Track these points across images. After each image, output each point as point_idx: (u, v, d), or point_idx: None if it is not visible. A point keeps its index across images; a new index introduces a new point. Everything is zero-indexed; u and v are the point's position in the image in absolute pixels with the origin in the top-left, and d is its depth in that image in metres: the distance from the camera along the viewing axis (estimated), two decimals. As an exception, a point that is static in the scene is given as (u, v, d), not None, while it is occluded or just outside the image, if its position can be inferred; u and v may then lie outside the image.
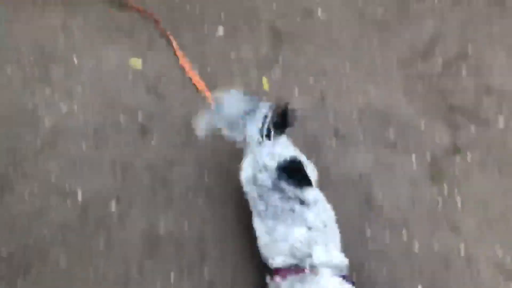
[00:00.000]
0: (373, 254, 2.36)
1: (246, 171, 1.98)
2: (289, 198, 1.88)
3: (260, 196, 1.91)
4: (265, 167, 1.91)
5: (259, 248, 1.97)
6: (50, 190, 2.50)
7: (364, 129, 2.64)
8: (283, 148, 1.99)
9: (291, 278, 1.81)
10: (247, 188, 1.99)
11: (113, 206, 2.48)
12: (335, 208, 2.00)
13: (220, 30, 2.89)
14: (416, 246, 2.40)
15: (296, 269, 1.82)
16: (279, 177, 1.89)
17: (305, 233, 1.84)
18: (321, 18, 2.94)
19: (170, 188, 2.52)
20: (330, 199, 2.01)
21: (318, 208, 1.92)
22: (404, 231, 2.43)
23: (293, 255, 1.83)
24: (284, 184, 1.88)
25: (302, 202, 1.88)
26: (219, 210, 2.45)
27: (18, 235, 2.39)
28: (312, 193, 1.93)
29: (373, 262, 2.34)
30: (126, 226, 2.43)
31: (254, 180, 1.94)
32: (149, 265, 2.34)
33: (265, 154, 1.93)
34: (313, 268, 1.80)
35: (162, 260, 2.35)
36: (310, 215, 1.87)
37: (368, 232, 2.42)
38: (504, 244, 2.40)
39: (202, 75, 2.72)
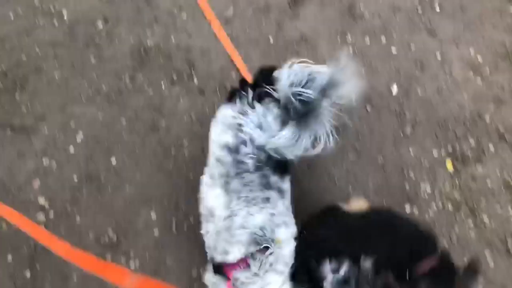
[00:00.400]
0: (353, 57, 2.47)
1: (223, 135, 1.64)
2: (270, 186, 1.62)
3: (238, 174, 1.60)
4: (252, 141, 1.60)
5: (205, 236, 1.68)
6: (35, 11, 2.52)
7: None
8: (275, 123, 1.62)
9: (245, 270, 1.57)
10: (219, 152, 1.64)
11: (100, 24, 2.53)
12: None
13: None
14: (394, 49, 2.51)
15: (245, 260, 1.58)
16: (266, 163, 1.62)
17: (267, 220, 1.59)
18: None
19: (156, 5, 2.56)
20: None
21: (288, 194, 1.71)
22: (383, 37, 2.53)
23: (253, 243, 1.57)
24: (268, 171, 1.63)
25: (280, 191, 1.66)
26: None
27: (9, 53, 2.44)
28: (288, 180, 1.71)
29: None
30: (114, 42, 2.50)
31: (235, 150, 1.61)
32: (140, 75, 2.43)
33: (254, 126, 1.61)
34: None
35: (152, 70, 2.45)
36: (280, 203, 1.65)
37: (349, 38, 2.52)
38: (476, 45, 2.52)
39: None
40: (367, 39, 2.52)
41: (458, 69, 2.47)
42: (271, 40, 2.50)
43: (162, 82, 2.43)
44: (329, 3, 2.60)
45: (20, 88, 2.39)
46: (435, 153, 2.31)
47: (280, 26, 2.53)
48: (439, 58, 2.49)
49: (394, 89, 2.42)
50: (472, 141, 2.33)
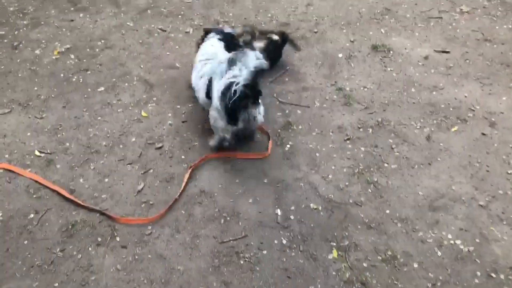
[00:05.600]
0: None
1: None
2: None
3: None
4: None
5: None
6: (-26, 215, 2.98)
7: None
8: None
9: None
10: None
11: (32, 215, 3.02)
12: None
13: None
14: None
15: None
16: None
17: None
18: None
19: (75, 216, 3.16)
20: None
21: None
22: None
23: None
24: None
25: None
26: None
27: None
28: None
29: None
30: (45, 225, 2.96)
31: None
32: (70, 246, 2.84)
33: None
34: None
35: (79, 240, 2.88)
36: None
37: (236, 183, 3.23)
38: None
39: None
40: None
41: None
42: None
43: (89, 247, 2.84)
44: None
45: (-43, 279, 2.66)
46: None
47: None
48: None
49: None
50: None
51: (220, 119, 3.19)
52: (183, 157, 3.45)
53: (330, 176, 3.31)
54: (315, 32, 4.75)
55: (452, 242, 2.91)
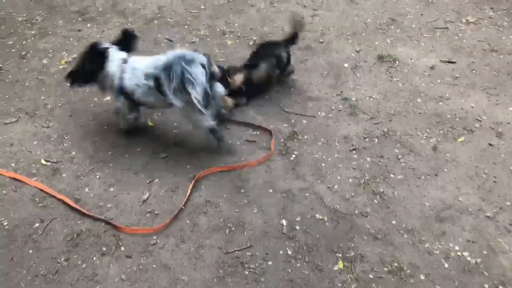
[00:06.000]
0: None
1: None
2: None
3: None
4: None
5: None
6: (-20, 224, 2.98)
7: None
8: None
9: None
10: None
11: (37, 224, 3.02)
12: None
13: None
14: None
15: None
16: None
17: None
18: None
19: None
20: None
21: None
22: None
23: None
24: None
25: None
26: None
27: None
28: None
29: None
30: (50, 234, 2.95)
31: None
32: (74, 255, 2.83)
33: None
34: None
35: (84, 249, 2.88)
36: None
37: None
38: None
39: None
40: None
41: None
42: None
43: (93, 256, 2.84)
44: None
45: (-39, 288, 2.66)
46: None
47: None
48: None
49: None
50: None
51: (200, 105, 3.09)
52: (188, 166, 3.45)
53: (335, 187, 3.30)
54: (321, 42, 4.76)
55: (459, 253, 2.88)
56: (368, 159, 3.50)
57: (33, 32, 4.97)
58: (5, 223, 3.02)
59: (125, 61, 3.30)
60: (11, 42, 4.80)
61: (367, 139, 3.66)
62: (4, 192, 3.22)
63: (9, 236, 2.95)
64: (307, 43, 4.71)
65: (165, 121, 3.84)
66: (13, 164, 3.44)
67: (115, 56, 3.31)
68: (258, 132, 3.70)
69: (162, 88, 3.08)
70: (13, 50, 4.68)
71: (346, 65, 4.45)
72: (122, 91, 3.30)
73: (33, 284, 2.70)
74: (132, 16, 5.24)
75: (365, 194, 3.25)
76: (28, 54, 4.62)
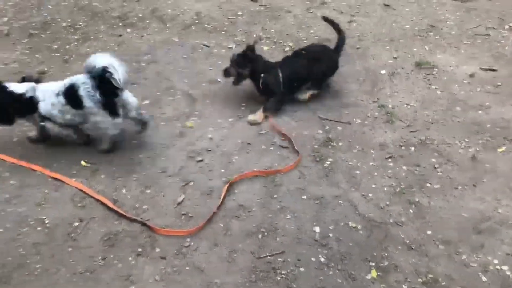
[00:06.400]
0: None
1: None
2: None
3: None
4: None
5: None
6: (21, 224, 3.11)
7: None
8: None
9: None
10: None
11: (76, 223, 3.11)
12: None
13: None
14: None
15: None
16: None
17: None
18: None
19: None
20: None
21: None
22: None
23: None
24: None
25: None
26: None
27: (-2, 256, 2.91)
28: None
29: None
30: (88, 234, 3.05)
31: None
32: (111, 254, 2.91)
33: None
34: None
35: (120, 249, 2.95)
36: None
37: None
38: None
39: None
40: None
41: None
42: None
43: (129, 256, 2.91)
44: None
45: (4, 283, 2.77)
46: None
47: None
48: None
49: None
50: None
51: (103, 118, 3.34)
52: (222, 171, 3.49)
53: (370, 195, 3.26)
54: (357, 48, 4.74)
55: (498, 267, 2.80)
56: (404, 167, 3.45)
57: (76, 37, 5.15)
58: (47, 221, 3.13)
59: (35, 88, 3.43)
60: (56, 47, 4.99)
61: (403, 147, 3.61)
62: (46, 191, 3.34)
63: (51, 234, 3.05)
64: (343, 49, 4.68)
65: (202, 125, 3.90)
66: (55, 165, 3.56)
67: (22, 87, 3.43)
68: (294, 135, 3.70)
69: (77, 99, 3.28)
70: (58, 54, 4.86)
71: (383, 71, 4.41)
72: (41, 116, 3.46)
73: (71, 281, 2.78)
74: (171, 22, 5.36)
75: (400, 203, 3.20)
76: (71, 58, 4.79)
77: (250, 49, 3.91)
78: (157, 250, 2.95)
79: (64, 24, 5.40)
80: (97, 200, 3.26)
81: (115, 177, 3.46)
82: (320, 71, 4.00)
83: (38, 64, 4.73)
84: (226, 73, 4.03)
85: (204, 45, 4.92)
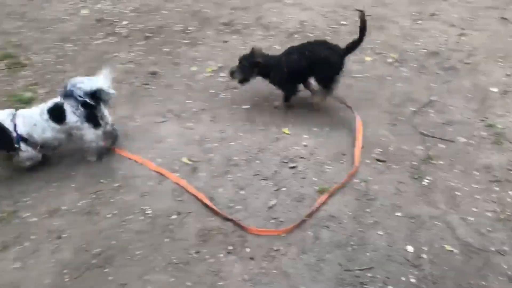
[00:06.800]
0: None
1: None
2: None
3: None
4: None
5: None
6: (127, 211, 3.37)
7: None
8: None
9: None
10: None
11: (174, 216, 3.31)
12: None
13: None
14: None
15: None
16: None
17: None
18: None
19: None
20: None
21: None
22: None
23: None
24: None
25: None
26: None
27: (104, 240, 3.18)
28: None
29: None
30: (184, 227, 3.23)
31: None
32: (204, 249, 3.06)
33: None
34: None
35: (213, 245, 3.09)
36: None
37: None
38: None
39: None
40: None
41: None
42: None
43: (220, 253, 3.04)
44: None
45: (109, 263, 3.03)
46: None
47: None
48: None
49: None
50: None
51: (88, 130, 3.58)
52: (314, 179, 3.51)
53: (470, 219, 3.09)
54: (467, 64, 4.50)
55: None
56: (511, 193, 3.21)
57: (186, 41, 5.48)
58: (149, 212, 3.36)
59: (14, 115, 3.56)
60: (168, 50, 5.34)
61: (511, 172, 3.36)
62: (150, 183, 3.59)
63: (151, 223, 3.28)
64: (451, 64, 4.48)
65: (297, 132, 3.95)
66: (159, 160, 3.81)
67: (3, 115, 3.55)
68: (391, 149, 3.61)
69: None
70: (169, 57, 5.20)
71: (494, 89, 4.15)
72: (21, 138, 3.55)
73: (166, 270, 2.96)
74: (275, 29, 5.49)
75: (504, 231, 2.99)
76: (181, 61, 5.10)
77: (255, 54, 4.03)
78: (247, 250, 3.04)
79: (176, 29, 5.77)
80: (195, 196, 3.43)
81: (213, 176, 3.62)
82: (323, 69, 3.95)
83: (151, 65, 5.09)
84: (232, 74, 4.16)
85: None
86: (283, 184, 3.50)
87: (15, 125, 3.54)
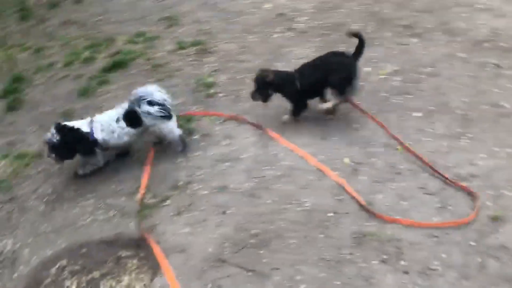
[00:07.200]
0: None
1: None
2: None
3: None
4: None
5: None
6: (285, 201, 3.52)
7: None
8: None
9: None
10: None
11: (331, 214, 3.35)
12: None
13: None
14: None
15: None
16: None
17: None
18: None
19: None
20: None
21: None
22: None
23: None
24: None
25: None
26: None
27: (263, 224, 3.37)
28: None
29: None
30: (339, 227, 3.25)
31: None
32: (357, 253, 3.04)
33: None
34: None
35: (366, 250, 3.05)
36: None
37: None
38: None
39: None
40: None
41: None
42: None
43: (373, 260, 2.98)
44: None
45: (265, 246, 3.20)
46: None
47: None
48: None
49: None
50: None
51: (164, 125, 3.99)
52: (488, 203, 3.23)
53: None
54: None
55: None
56: None
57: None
58: (307, 204, 3.46)
59: (91, 121, 3.88)
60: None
61: None
62: (311, 178, 3.67)
63: (308, 216, 3.37)
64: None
65: (472, 149, 3.66)
66: (322, 156, 3.87)
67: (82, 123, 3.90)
68: None
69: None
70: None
71: None
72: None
73: (317, 264, 3.02)
74: (460, 36, 5.13)
75: None
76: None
77: (264, 75, 4.13)
78: (402, 263, 2.94)
79: (353, 28, 5.74)
80: (353, 198, 3.42)
81: (374, 181, 3.56)
82: (335, 78, 3.99)
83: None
84: (253, 98, 4.26)
85: (494, 64, 4.54)
86: (449, 203, 3.29)
87: (92, 131, 3.88)
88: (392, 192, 3.45)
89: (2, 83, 5.69)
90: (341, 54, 4.15)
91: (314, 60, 4.24)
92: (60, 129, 3.81)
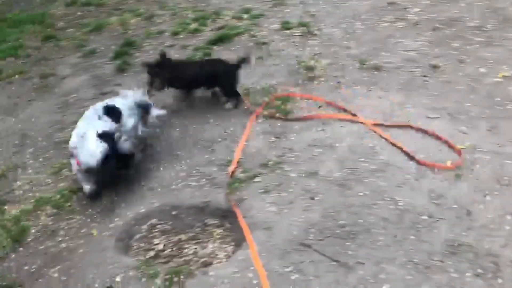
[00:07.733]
0: None
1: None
2: None
3: None
4: None
5: None
6: (379, 197, 3.40)
7: None
8: None
9: None
10: None
11: (425, 217, 3.19)
12: None
13: None
14: None
15: None
16: None
17: None
18: None
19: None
20: None
21: None
22: None
23: None
24: None
25: None
26: None
27: (350, 216, 3.29)
28: None
29: None
30: (432, 232, 3.09)
31: None
32: (449, 262, 2.88)
33: None
34: None
35: (459, 261, 2.88)
36: None
37: None
38: None
39: None
40: None
41: None
42: None
43: (467, 272, 2.81)
44: None
45: (352, 238, 3.13)
46: None
47: None
48: None
49: None
50: None
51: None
52: None
53: None
54: None
55: None
56: None
57: (480, 39, 5.06)
58: (400, 204, 3.32)
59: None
60: (456, 45, 5.05)
61: None
62: (408, 176, 3.52)
63: (400, 215, 3.24)
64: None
65: None
66: (422, 155, 3.69)
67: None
68: None
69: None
70: (455, 53, 4.91)
71: None
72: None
73: (405, 267, 2.88)
74: None
75: None
76: (468, 59, 4.75)
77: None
78: (499, 281, 2.74)
79: (470, 24, 5.38)
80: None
81: (476, 189, 3.36)
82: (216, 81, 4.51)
83: (434, 57, 4.90)
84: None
85: None
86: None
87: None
88: (495, 203, 3.22)
89: (115, 46, 6.03)
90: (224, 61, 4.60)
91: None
92: None
